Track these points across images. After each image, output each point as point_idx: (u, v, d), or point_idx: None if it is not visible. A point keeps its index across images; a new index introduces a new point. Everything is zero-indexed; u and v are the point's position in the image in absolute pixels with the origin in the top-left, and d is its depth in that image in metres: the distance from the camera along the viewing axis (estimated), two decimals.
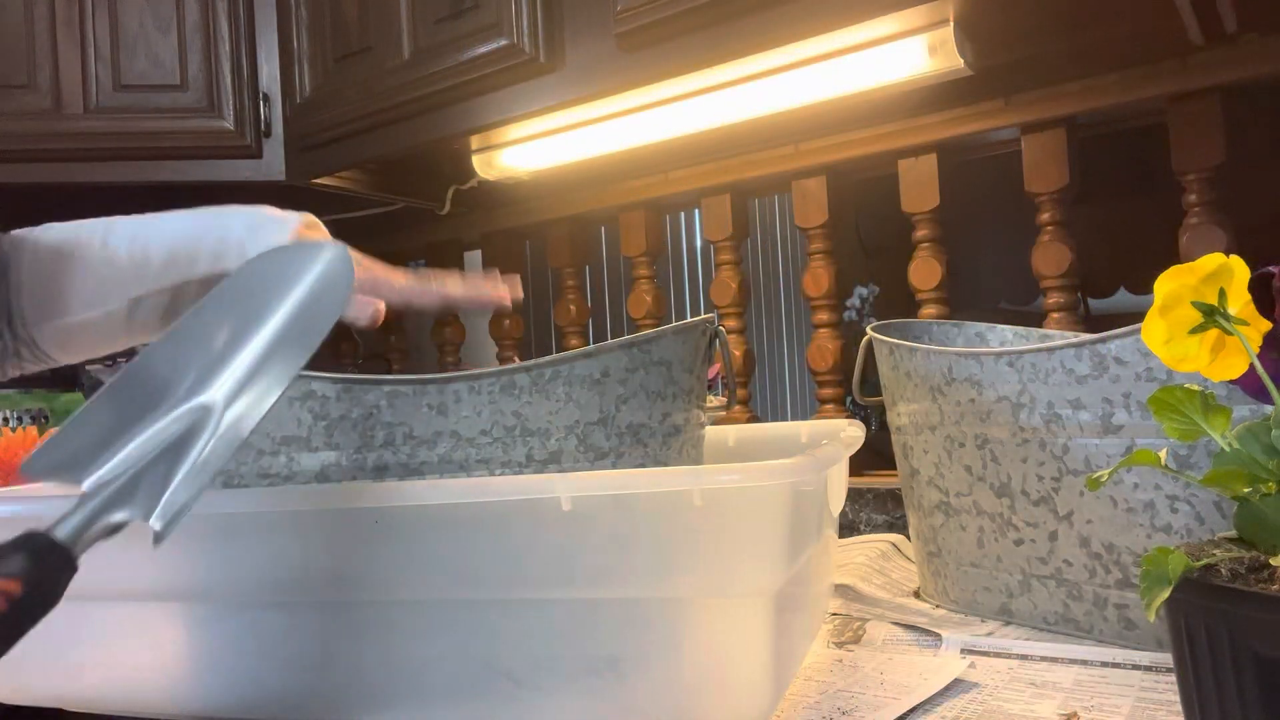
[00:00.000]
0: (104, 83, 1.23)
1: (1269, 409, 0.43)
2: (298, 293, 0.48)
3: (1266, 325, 0.43)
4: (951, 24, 0.89)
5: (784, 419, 2.69)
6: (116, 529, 0.43)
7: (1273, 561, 0.40)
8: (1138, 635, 0.65)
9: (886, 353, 0.82)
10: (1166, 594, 0.40)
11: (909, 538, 0.88)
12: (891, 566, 0.95)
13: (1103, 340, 0.63)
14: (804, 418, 1.84)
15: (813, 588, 0.68)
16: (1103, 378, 0.64)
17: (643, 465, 0.61)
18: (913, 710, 0.56)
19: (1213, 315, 0.43)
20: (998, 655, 0.66)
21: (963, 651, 0.67)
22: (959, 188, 1.17)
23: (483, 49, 1.06)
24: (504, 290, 0.65)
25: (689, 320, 0.64)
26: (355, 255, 0.57)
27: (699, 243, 2.53)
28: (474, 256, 1.66)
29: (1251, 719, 0.38)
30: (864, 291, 2.72)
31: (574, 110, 1.09)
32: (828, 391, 1.25)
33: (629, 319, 1.46)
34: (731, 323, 1.33)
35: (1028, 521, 0.70)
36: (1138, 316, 0.47)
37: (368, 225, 1.61)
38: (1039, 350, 0.67)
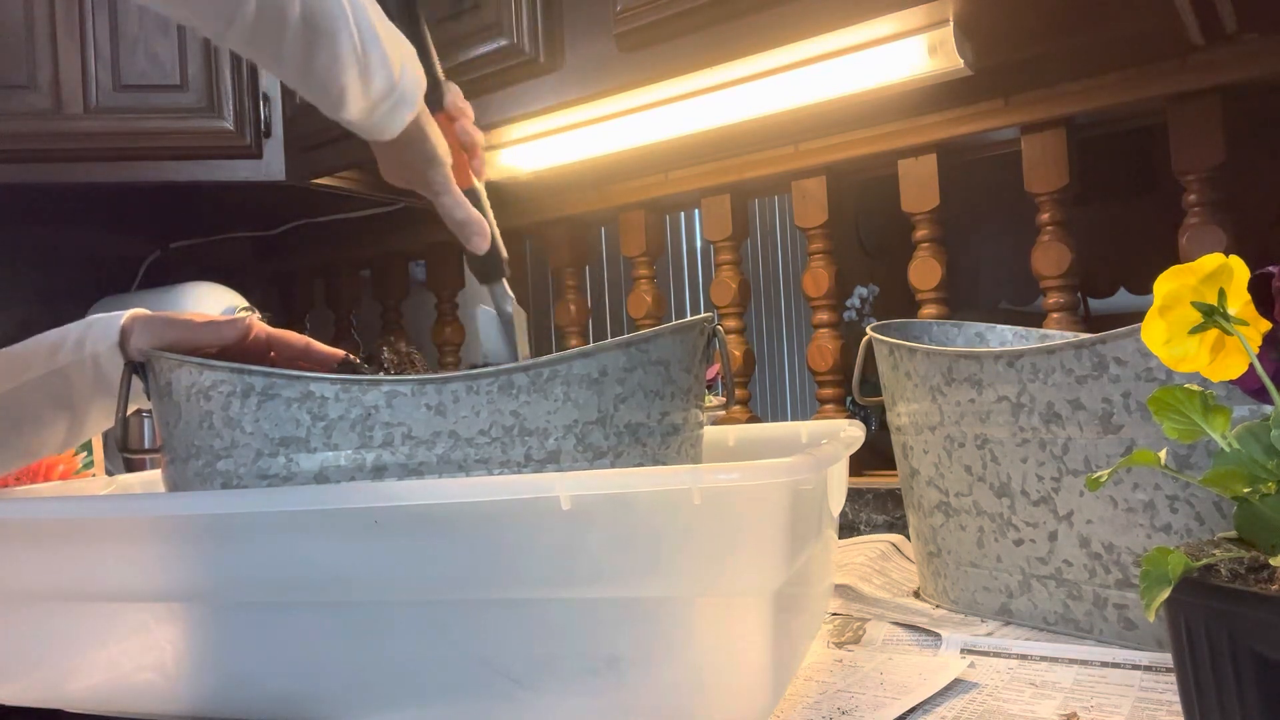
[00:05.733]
0: (104, 83, 1.23)
1: (1269, 409, 0.43)
2: None
3: (1266, 325, 0.43)
4: (951, 24, 0.89)
5: (784, 419, 2.69)
6: None
7: (1273, 561, 0.40)
8: (1138, 635, 0.65)
9: (886, 353, 0.82)
10: (1166, 594, 0.40)
11: (909, 538, 0.88)
12: (891, 566, 0.94)
13: (1103, 340, 0.63)
14: (804, 418, 1.84)
15: (813, 588, 0.68)
16: (1103, 378, 0.64)
17: (641, 465, 0.61)
18: (913, 710, 0.56)
19: (1212, 315, 0.42)
20: (998, 655, 0.66)
21: (963, 651, 0.67)
22: (959, 188, 1.17)
23: (482, 49, 1.06)
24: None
25: (687, 319, 0.64)
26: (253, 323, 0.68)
27: (699, 243, 2.53)
28: None
29: (1251, 719, 0.38)
30: (864, 291, 2.72)
31: (574, 110, 1.09)
32: (828, 391, 1.25)
33: (629, 319, 1.46)
34: (731, 323, 1.33)
35: (1028, 521, 0.70)
36: (1138, 316, 0.47)
37: (368, 225, 1.61)
38: (1039, 350, 0.67)
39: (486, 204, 0.76)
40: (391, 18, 0.68)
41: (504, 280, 0.78)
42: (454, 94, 0.74)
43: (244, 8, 0.59)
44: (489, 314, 0.78)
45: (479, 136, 0.75)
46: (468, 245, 0.74)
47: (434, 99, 0.72)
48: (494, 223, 0.76)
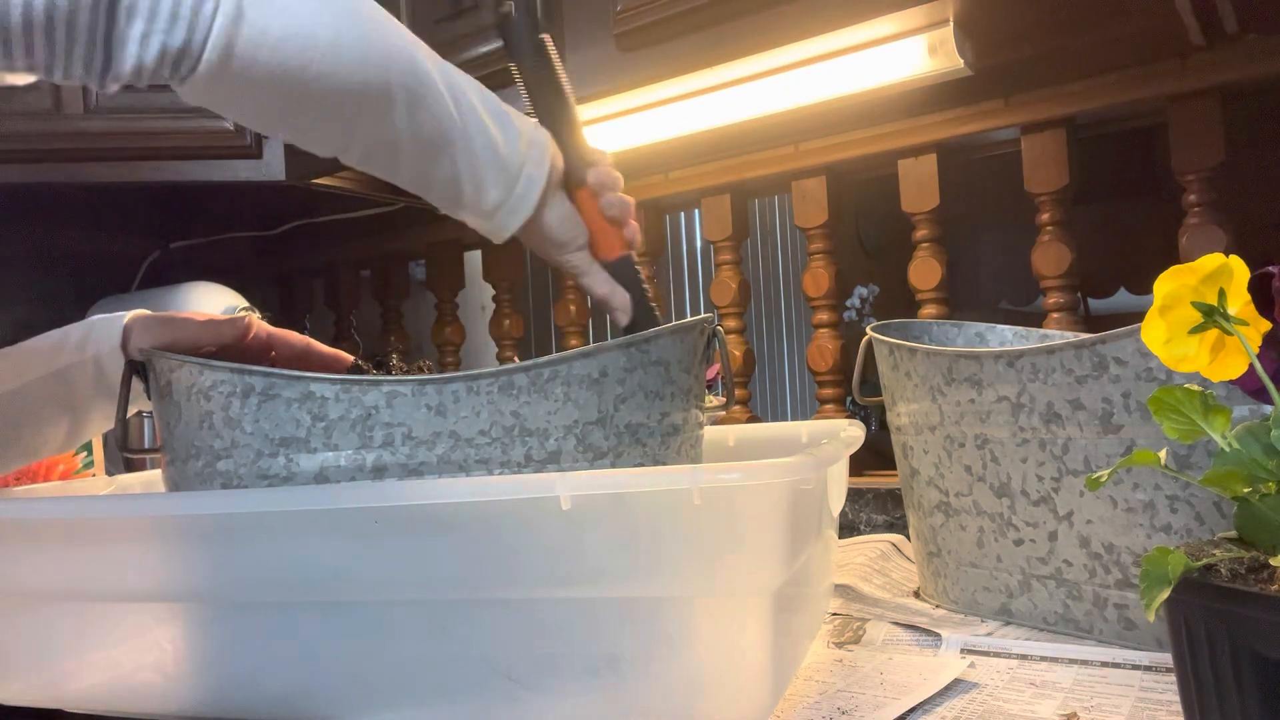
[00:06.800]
0: None
1: (1269, 409, 0.43)
2: None
3: (1266, 325, 0.43)
4: (951, 24, 0.89)
5: (784, 419, 2.69)
6: None
7: (1273, 561, 0.40)
8: (1138, 635, 0.65)
9: (886, 353, 0.82)
10: (1166, 594, 0.40)
11: (909, 538, 0.88)
12: (891, 566, 0.94)
13: (1103, 340, 0.63)
14: (804, 418, 1.84)
15: (813, 588, 0.68)
16: (1103, 378, 0.64)
17: (641, 465, 0.61)
18: (913, 710, 0.56)
19: (1212, 315, 0.42)
20: (998, 655, 0.66)
21: (963, 651, 0.67)
22: (959, 188, 1.17)
23: (483, 49, 1.06)
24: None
25: (687, 320, 0.64)
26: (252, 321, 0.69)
27: (699, 243, 2.53)
28: (474, 256, 1.67)
29: (1251, 719, 0.38)
30: (864, 291, 2.72)
31: None
32: (828, 391, 1.25)
33: None
34: (731, 323, 1.33)
35: (1028, 521, 0.70)
36: (1138, 316, 0.47)
37: (368, 225, 1.61)
38: (1039, 350, 0.67)
39: (638, 270, 0.73)
40: (534, 93, 0.68)
41: None
42: (599, 167, 0.70)
43: (356, 139, 0.59)
44: None
45: (628, 208, 0.71)
46: (611, 317, 0.73)
47: (575, 177, 0.69)
48: (647, 285, 0.73)
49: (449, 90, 0.62)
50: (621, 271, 0.72)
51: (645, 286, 0.73)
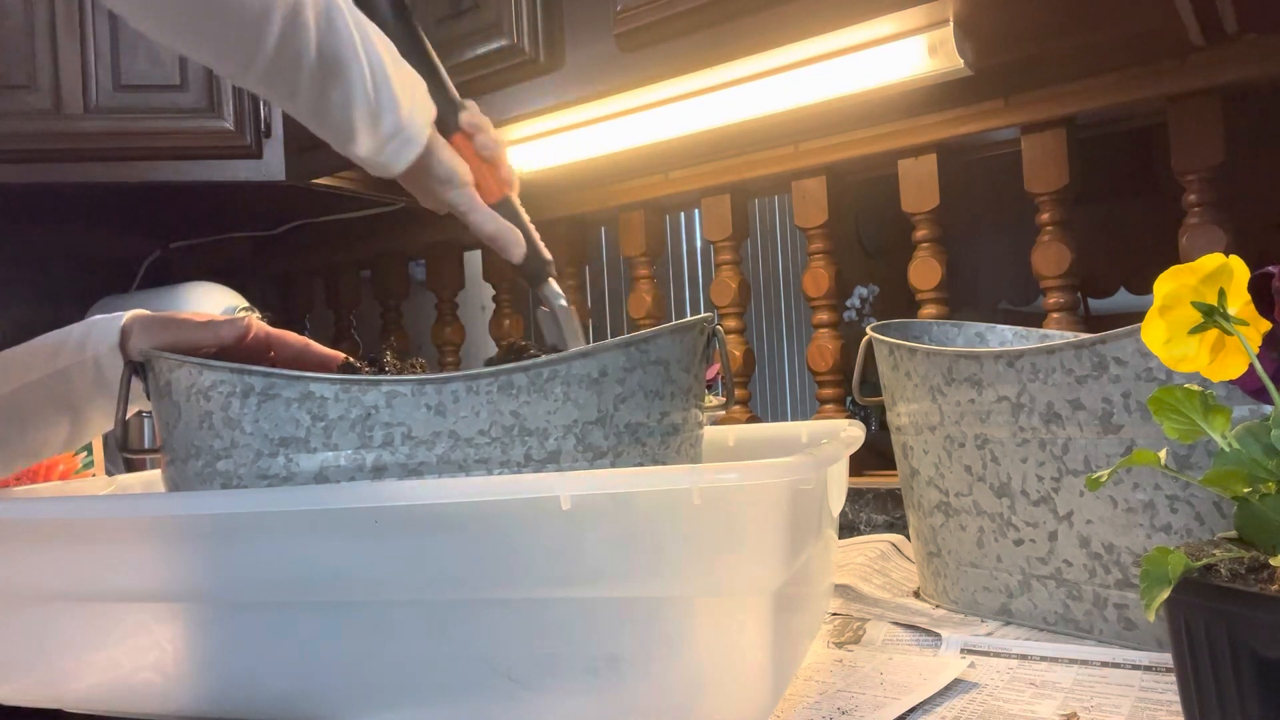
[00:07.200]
0: (104, 83, 1.23)
1: (1269, 409, 0.43)
2: None
3: (1266, 325, 0.43)
4: (951, 24, 0.89)
5: (784, 419, 2.69)
6: None
7: (1273, 561, 0.40)
8: (1138, 635, 0.65)
9: (886, 353, 0.82)
10: (1166, 594, 0.40)
11: (909, 538, 0.88)
12: (891, 566, 0.94)
13: (1103, 340, 0.63)
14: (804, 418, 1.84)
15: (813, 588, 0.68)
16: (1103, 378, 0.64)
17: (641, 464, 0.61)
18: (913, 710, 0.56)
19: (1212, 315, 0.43)
20: (998, 655, 0.66)
21: (963, 651, 0.67)
22: (959, 188, 1.17)
23: (482, 49, 1.06)
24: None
25: (686, 319, 0.64)
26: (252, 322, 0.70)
27: (699, 243, 2.53)
28: (474, 256, 1.67)
29: (1251, 719, 0.38)
30: (864, 291, 2.72)
31: (574, 110, 1.09)
32: (828, 391, 1.25)
33: (629, 319, 1.46)
34: (731, 323, 1.33)
35: (1028, 521, 0.70)
36: (1138, 316, 0.47)
37: (368, 225, 1.61)
38: (1039, 350, 0.67)
39: (519, 210, 0.76)
40: (394, 42, 0.69)
41: (550, 280, 0.78)
42: (469, 111, 0.73)
43: (263, 50, 0.60)
44: (546, 314, 0.78)
45: (499, 149, 0.74)
46: (503, 256, 0.75)
47: (448, 122, 0.72)
48: (530, 226, 0.76)
49: (353, 19, 0.63)
50: (504, 213, 0.74)
51: (530, 226, 0.75)
